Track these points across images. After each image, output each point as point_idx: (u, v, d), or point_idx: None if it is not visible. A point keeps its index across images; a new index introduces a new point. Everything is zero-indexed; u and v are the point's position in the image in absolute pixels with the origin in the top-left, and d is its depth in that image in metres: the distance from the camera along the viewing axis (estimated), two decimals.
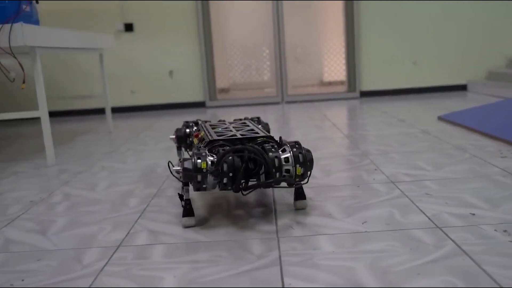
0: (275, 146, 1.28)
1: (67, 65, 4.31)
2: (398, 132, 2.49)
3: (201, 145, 1.37)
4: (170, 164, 1.68)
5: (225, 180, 1.20)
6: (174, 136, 1.76)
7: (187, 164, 1.22)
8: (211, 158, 1.23)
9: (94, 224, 1.35)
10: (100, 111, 4.39)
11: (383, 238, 1.12)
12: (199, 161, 1.20)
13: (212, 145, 1.32)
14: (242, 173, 1.20)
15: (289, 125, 2.97)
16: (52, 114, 4.39)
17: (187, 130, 1.74)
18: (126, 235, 1.24)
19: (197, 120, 1.82)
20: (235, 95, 4.45)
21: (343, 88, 4.46)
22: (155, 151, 2.38)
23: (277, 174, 1.23)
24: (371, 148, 2.13)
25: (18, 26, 1.93)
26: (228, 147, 1.26)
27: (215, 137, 1.36)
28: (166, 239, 1.20)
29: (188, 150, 1.78)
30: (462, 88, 4.43)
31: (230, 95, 4.46)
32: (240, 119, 1.78)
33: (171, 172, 1.28)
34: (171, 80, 4.35)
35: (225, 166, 1.19)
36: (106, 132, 3.15)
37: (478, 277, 0.91)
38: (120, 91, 4.35)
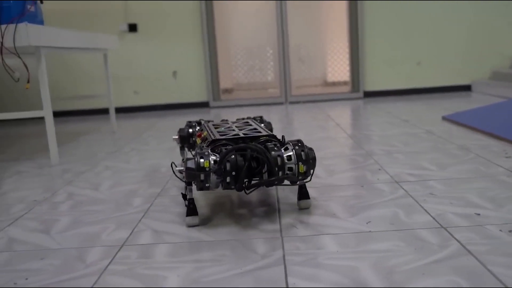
0: (278, 145, 1.28)
1: (70, 65, 4.32)
2: (402, 132, 2.49)
3: (204, 145, 1.37)
4: (173, 164, 1.68)
5: (228, 179, 1.20)
6: (177, 137, 1.76)
7: (190, 164, 1.22)
8: (214, 157, 1.23)
9: (98, 223, 1.35)
10: (104, 111, 4.39)
11: (388, 238, 1.12)
12: (202, 160, 1.20)
13: (215, 145, 1.32)
14: (245, 172, 1.20)
15: (292, 125, 2.97)
16: (56, 114, 4.40)
17: (190, 130, 1.74)
18: (130, 234, 1.24)
19: (200, 120, 1.82)
20: (239, 95, 4.45)
21: (346, 89, 4.46)
22: (158, 151, 2.38)
23: (280, 173, 1.23)
24: (375, 148, 2.12)
25: (23, 26, 1.94)
26: (230, 146, 1.26)
27: (218, 137, 1.36)
28: (169, 239, 1.20)
29: (191, 150, 1.78)
30: (466, 88, 4.41)
31: (233, 96, 4.46)
32: (243, 119, 1.78)
33: (174, 173, 1.27)
34: (174, 81, 4.35)
35: (228, 165, 1.19)
36: (109, 132, 3.15)
37: (483, 277, 0.90)
38: (124, 92, 4.36)
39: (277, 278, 0.95)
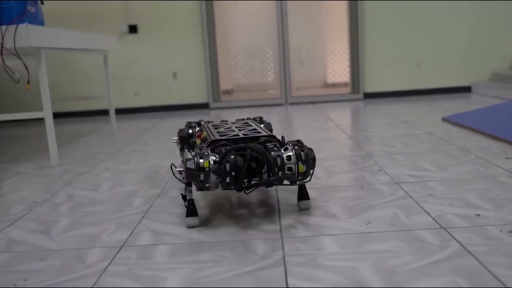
0: (277, 145, 1.28)
1: (70, 66, 4.33)
2: (402, 133, 2.49)
3: (204, 145, 1.37)
4: (173, 166, 1.68)
5: (227, 179, 1.20)
6: (177, 138, 1.76)
7: (190, 164, 1.22)
8: (214, 158, 1.23)
9: (98, 224, 1.35)
10: (103, 113, 4.39)
11: (388, 238, 1.12)
12: (201, 160, 1.20)
13: (214, 145, 1.32)
14: (244, 172, 1.20)
15: (293, 127, 2.97)
16: (56, 115, 4.40)
17: (190, 131, 1.74)
18: (130, 235, 1.24)
19: (199, 120, 1.82)
20: (239, 96, 4.45)
21: (346, 90, 4.46)
22: (158, 152, 2.38)
23: (280, 173, 1.23)
24: (375, 149, 2.12)
25: (23, 27, 1.94)
26: (230, 147, 1.26)
27: (218, 137, 1.36)
28: (169, 239, 1.20)
29: (191, 150, 1.78)
30: (466, 89, 4.42)
31: (233, 97, 4.46)
32: (243, 119, 1.78)
33: (174, 174, 1.27)
34: (174, 82, 4.35)
35: (227, 166, 1.19)
36: (109, 133, 3.15)
37: (483, 278, 0.90)
38: (124, 93, 4.36)
39: (277, 279, 0.95)
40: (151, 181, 1.80)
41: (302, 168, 1.25)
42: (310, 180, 1.30)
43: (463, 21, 4.30)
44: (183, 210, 1.43)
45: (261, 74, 4.42)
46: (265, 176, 1.24)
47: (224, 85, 4.44)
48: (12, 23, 1.97)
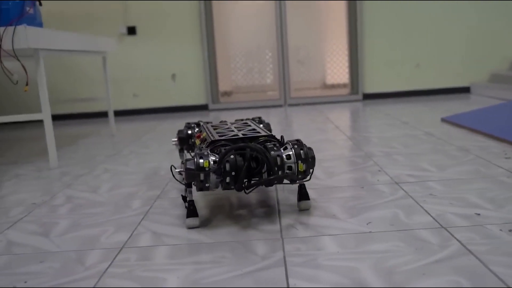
0: (277, 145, 1.28)
1: (69, 68, 4.32)
2: (402, 134, 2.49)
3: (203, 145, 1.37)
4: (172, 167, 1.68)
5: (227, 179, 1.19)
6: (176, 139, 1.75)
7: (190, 164, 1.21)
8: (213, 158, 1.22)
9: (97, 226, 1.35)
10: (103, 115, 4.39)
11: (388, 238, 1.12)
12: (201, 160, 1.20)
13: (214, 145, 1.32)
14: (244, 172, 1.19)
15: (292, 128, 2.96)
16: (54, 118, 4.39)
17: (189, 132, 1.74)
18: (129, 237, 1.24)
19: (198, 121, 1.81)
20: (238, 98, 4.45)
21: (346, 91, 4.46)
22: (158, 153, 2.38)
23: (280, 172, 1.23)
24: (375, 150, 2.12)
25: (22, 28, 1.93)
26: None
27: (217, 137, 1.36)
28: (169, 241, 1.19)
29: (190, 151, 1.77)
30: (465, 90, 4.42)
31: (232, 98, 4.46)
32: (242, 120, 1.78)
33: (174, 176, 1.27)
34: (173, 83, 4.35)
35: (227, 165, 1.19)
36: (108, 135, 3.15)
37: (484, 277, 0.90)
38: (123, 95, 4.36)
39: (277, 279, 0.95)
40: (151, 182, 1.80)
41: (302, 167, 1.25)
42: (310, 179, 1.30)
43: (463, 22, 4.31)
44: (183, 211, 1.42)
45: (260, 76, 4.42)
46: (265, 175, 1.24)
47: (223, 86, 4.43)
48: (11, 24, 1.97)
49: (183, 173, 1.24)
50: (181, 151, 1.81)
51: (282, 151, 1.27)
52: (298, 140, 1.30)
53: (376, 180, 1.62)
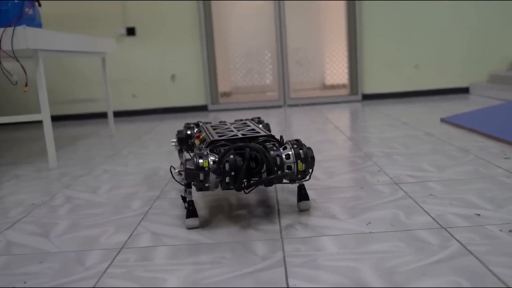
0: (276, 145, 1.28)
1: (68, 69, 4.32)
2: (401, 134, 2.49)
3: (203, 146, 1.37)
4: (172, 168, 1.68)
5: (227, 179, 1.19)
6: (175, 140, 1.75)
7: (189, 165, 1.21)
8: (213, 158, 1.22)
9: (97, 226, 1.35)
10: (102, 115, 4.39)
11: (388, 238, 1.12)
12: (201, 160, 1.20)
13: (213, 145, 1.31)
14: (244, 172, 1.19)
15: (291, 128, 2.96)
16: (54, 118, 4.39)
17: (188, 132, 1.74)
18: (129, 237, 1.24)
19: (198, 122, 1.81)
20: (237, 99, 4.45)
21: (345, 92, 4.46)
22: (157, 154, 2.38)
23: (279, 172, 1.23)
24: (374, 150, 2.12)
25: (21, 29, 1.93)
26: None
27: (217, 138, 1.36)
28: (169, 241, 1.19)
29: (189, 152, 1.77)
30: (465, 91, 4.42)
31: (232, 99, 4.46)
32: (241, 120, 1.78)
33: (173, 176, 1.27)
34: (173, 84, 4.35)
35: (227, 165, 1.19)
36: (107, 136, 3.14)
37: (484, 277, 0.90)
38: (122, 95, 4.36)
39: (277, 280, 0.94)
40: (150, 183, 1.80)
41: (301, 166, 1.25)
42: (309, 179, 1.30)
43: (462, 22, 4.31)
44: (182, 211, 1.42)
45: (259, 76, 4.42)
46: (264, 175, 1.24)
47: (222, 87, 4.43)
48: (10, 25, 1.97)
49: (183, 173, 1.24)
50: (180, 151, 1.81)
51: (281, 151, 1.27)
52: (297, 140, 1.30)
53: (376, 181, 1.62)
